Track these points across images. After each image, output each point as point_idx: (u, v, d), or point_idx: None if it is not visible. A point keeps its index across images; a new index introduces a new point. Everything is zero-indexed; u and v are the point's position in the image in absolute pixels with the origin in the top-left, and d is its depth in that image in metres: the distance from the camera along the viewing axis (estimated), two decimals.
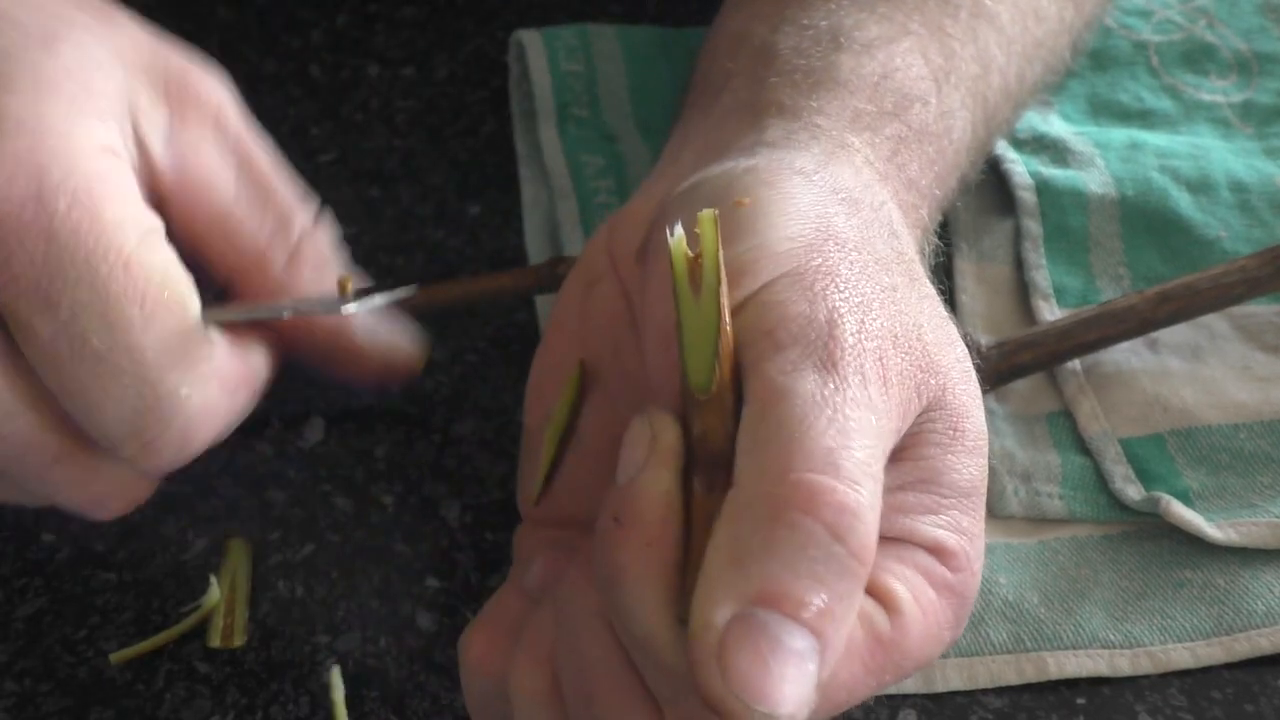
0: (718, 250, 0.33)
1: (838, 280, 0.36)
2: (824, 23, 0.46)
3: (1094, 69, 0.62)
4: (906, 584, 0.35)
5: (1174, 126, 0.61)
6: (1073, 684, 0.45)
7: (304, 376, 0.52)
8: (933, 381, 0.36)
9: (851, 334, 0.35)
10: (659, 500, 0.34)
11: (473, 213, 0.59)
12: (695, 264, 0.33)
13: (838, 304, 0.35)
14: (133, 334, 0.37)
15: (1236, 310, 0.53)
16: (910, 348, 0.36)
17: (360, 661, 0.45)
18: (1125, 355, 0.52)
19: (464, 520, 0.48)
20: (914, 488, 0.36)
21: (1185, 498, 0.48)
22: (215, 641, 0.45)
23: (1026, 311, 0.54)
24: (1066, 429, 0.51)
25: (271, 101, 0.63)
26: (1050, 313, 0.53)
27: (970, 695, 0.44)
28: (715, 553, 0.32)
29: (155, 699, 0.44)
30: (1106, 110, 0.61)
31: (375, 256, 0.56)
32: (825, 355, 0.34)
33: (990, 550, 0.47)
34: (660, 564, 0.33)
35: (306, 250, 0.43)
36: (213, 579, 0.46)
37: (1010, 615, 0.45)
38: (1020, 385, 0.52)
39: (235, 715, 0.43)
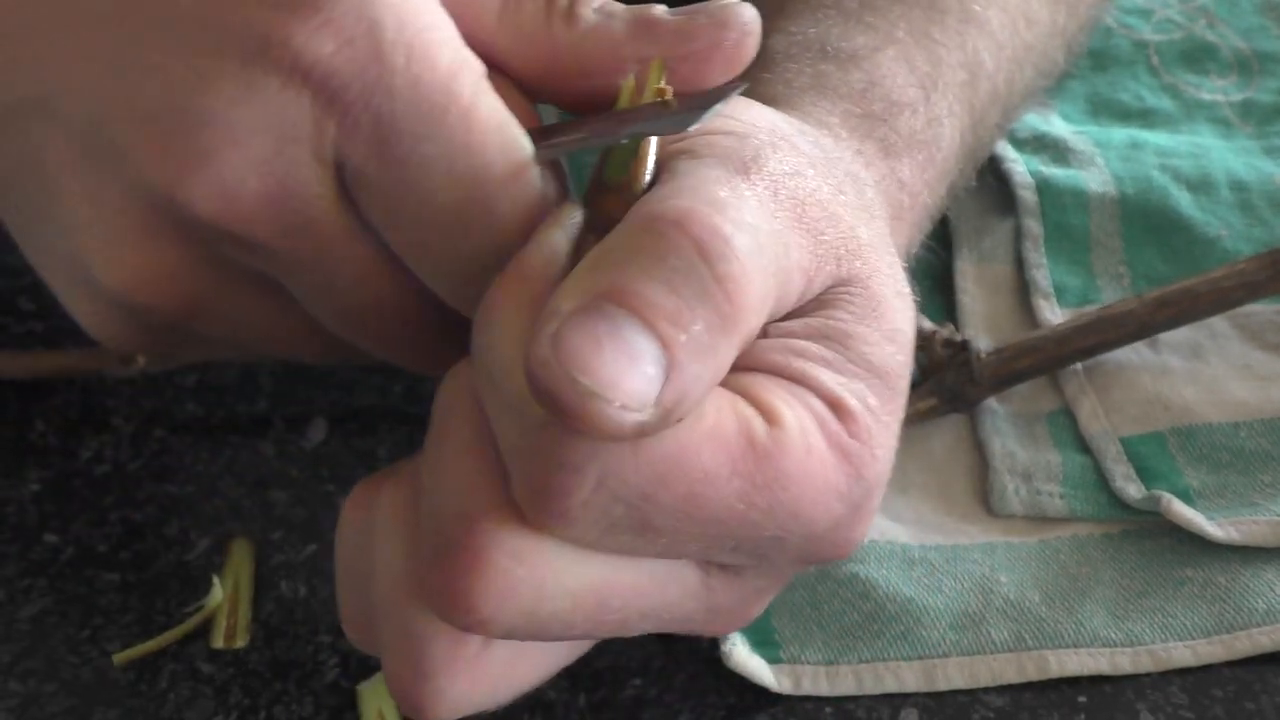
0: (659, 82, 0.34)
1: (777, 148, 0.35)
2: (812, 30, 0.46)
3: (1094, 68, 0.62)
4: (795, 414, 0.33)
5: (1174, 126, 0.61)
6: (1074, 682, 0.45)
7: (306, 376, 0.52)
8: (857, 263, 0.36)
9: (775, 170, 0.34)
10: (541, 247, 0.33)
11: None
12: (638, 99, 0.34)
13: (767, 153, 0.35)
14: (479, 185, 0.36)
15: (1237, 309, 0.53)
16: (837, 225, 0.35)
17: (363, 660, 0.45)
18: (1126, 354, 0.52)
19: None
20: (819, 340, 0.35)
21: (1186, 496, 0.48)
22: (218, 642, 0.45)
23: (1027, 311, 0.54)
24: (1067, 428, 0.51)
25: None
26: (1050, 312, 0.53)
27: (972, 694, 0.44)
28: (581, 263, 0.32)
29: (159, 699, 0.44)
30: (1107, 109, 0.61)
31: None
32: (740, 166, 0.34)
33: (991, 549, 0.47)
34: (527, 299, 0.33)
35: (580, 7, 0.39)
36: (215, 579, 0.46)
37: (1012, 614, 0.45)
38: (1021, 385, 0.52)
39: (239, 715, 0.43)
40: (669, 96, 0.36)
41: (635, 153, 0.34)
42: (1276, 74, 0.63)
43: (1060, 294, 0.54)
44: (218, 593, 0.46)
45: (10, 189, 0.39)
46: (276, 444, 0.51)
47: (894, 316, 0.36)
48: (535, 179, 0.36)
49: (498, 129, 0.36)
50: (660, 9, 0.38)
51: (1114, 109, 0.61)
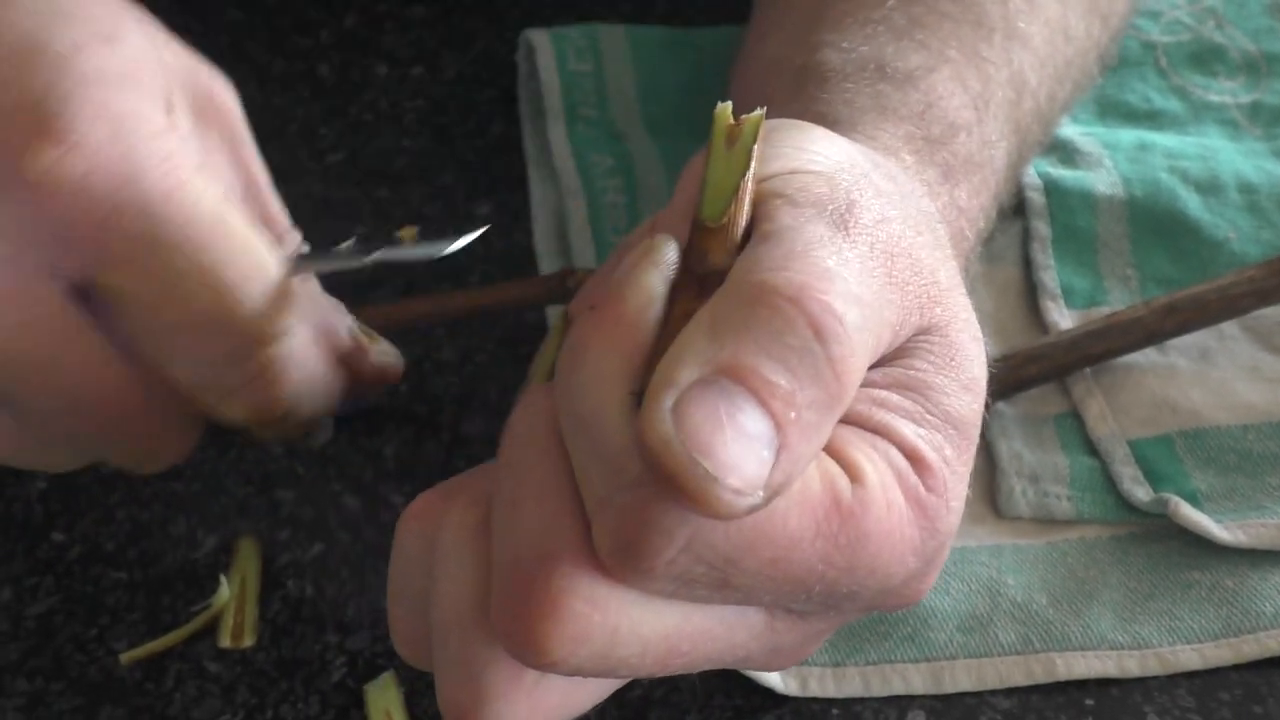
0: (760, 122, 0.34)
1: (862, 191, 0.35)
2: (864, 48, 0.46)
3: None
4: (876, 470, 0.33)
5: (1182, 127, 0.60)
6: (1081, 685, 0.45)
7: None
8: (938, 310, 0.36)
9: (868, 220, 0.34)
10: (639, 288, 0.33)
11: (482, 213, 0.59)
12: (734, 130, 0.34)
13: (857, 198, 0.35)
14: (232, 294, 0.39)
15: None
16: (920, 272, 0.35)
17: (370, 661, 0.45)
18: (1134, 356, 0.52)
19: None
20: (899, 390, 0.35)
21: (1193, 499, 0.48)
22: (225, 641, 0.45)
23: (1034, 313, 0.54)
24: (1075, 430, 0.51)
25: (280, 101, 0.63)
26: (1058, 314, 0.53)
27: (979, 696, 0.44)
28: (692, 326, 0.31)
29: (165, 698, 0.44)
30: (1115, 111, 0.61)
31: None
32: (839, 219, 0.34)
33: (998, 551, 0.47)
34: (625, 343, 0.32)
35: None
36: (222, 578, 0.46)
37: (1019, 616, 0.45)
38: None
39: (245, 714, 0.43)
40: (412, 234, 0.42)
41: (732, 193, 0.34)
42: None
43: (1068, 295, 0.54)
44: (224, 592, 0.46)
45: None
46: (283, 443, 0.50)
47: (971, 365, 0.36)
48: (288, 290, 0.40)
49: (248, 242, 0.39)
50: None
51: (1122, 110, 0.61)
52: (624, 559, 0.32)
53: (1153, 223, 0.56)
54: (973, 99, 0.46)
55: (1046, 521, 0.49)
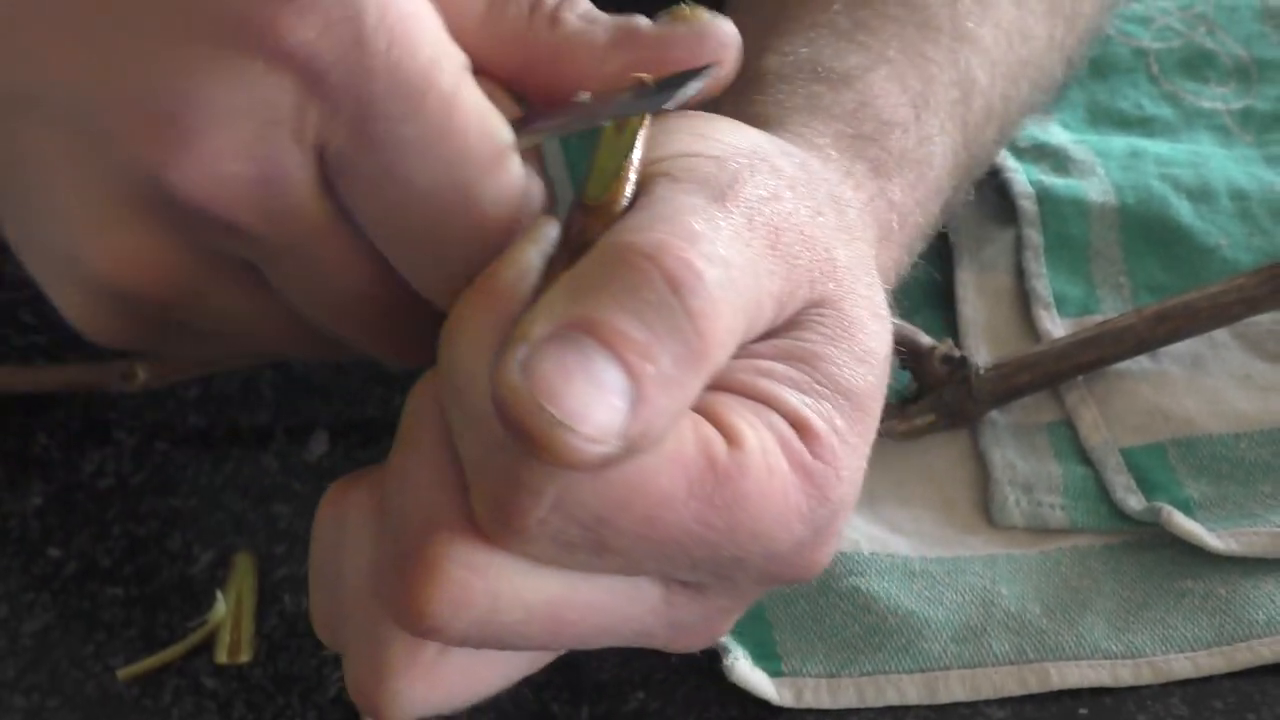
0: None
1: (755, 171, 0.35)
2: (804, 50, 0.46)
3: (1093, 76, 0.62)
4: (757, 435, 0.33)
5: (1174, 134, 0.61)
6: (1075, 694, 0.45)
7: (308, 388, 0.52)
8: (830, 285, 0.36)
9: (752, 195, 0.35)
10: (513, 262, 0.34)
11: None
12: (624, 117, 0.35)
13: (745, 177, 0.35)
14: (457, 169, 0.37)
15: None
16: (813, 248, 0.35)
17: None
18: (1126, 364, 0.52)
19: None
20: (786, 361, 0.35)
21: (1186, 507, 0.48)
22: (222, 657, 0.45)
23: (1027, 321, 0.54)
24: (1067, 439, 0.51)
25: None
26: (1051, 322, 0.54)
27: (973, 706, 0.44)
28: (553, 287, 0.32)
29: (163, 714, 0.44)
30: (1106, 118, 0.61)
31: None
32: (718, 193, 0.34)
33: (992, 561, 0.47)
34: (497, 313, 0.33)
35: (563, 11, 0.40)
36: (219, 594, 0.46)
37: (1013, 626, 0.46)
38: None
39: None
40: (648, 81, 0.37)
41: (616, 173, 0.34)
42: (1276, 81, 0.63)
43: (1060, 304, 0.54)
44: (221, 607, 0.46)
45: (2, 186, 0.40)
46: (279, 457, 0.51)
47: (866, 338, 0.36)
48: (515, 167, 0.37)
49: (477, 115, 0.37)
50: (642, 19, 0.39)
51: (1113, 117, 0.61)
52: (495, 520, 0.32)
53: (1145, 230, 0.56)
54: (911, 98, 0.46)
55: (1040, 531, 0.49)
